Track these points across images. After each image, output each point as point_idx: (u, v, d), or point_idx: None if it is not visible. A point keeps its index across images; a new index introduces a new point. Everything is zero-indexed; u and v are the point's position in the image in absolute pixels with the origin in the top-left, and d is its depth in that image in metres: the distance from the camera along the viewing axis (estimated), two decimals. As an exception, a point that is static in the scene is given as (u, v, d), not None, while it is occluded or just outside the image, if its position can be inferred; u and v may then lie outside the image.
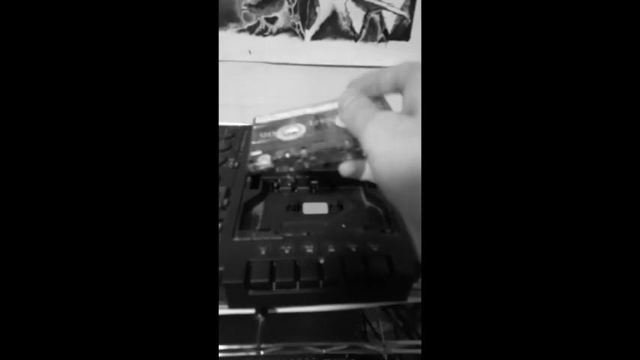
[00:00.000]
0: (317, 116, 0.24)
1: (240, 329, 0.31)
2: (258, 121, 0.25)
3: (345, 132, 0.23)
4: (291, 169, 0.24)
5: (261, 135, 0.24)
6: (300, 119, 0.24)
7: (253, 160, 0.23)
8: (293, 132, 0.23)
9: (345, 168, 0.25)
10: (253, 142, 0.24)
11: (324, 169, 0.27)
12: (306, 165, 0.23)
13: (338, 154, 0.23)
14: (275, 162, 0.23)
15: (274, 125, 0.24)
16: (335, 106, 0.25)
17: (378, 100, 0.23)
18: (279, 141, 0.23)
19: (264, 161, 0.23)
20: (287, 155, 0.23)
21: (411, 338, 0.59)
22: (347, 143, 0.23)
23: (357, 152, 0.23)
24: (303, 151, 0.23)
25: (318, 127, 0.23)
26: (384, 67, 0.66)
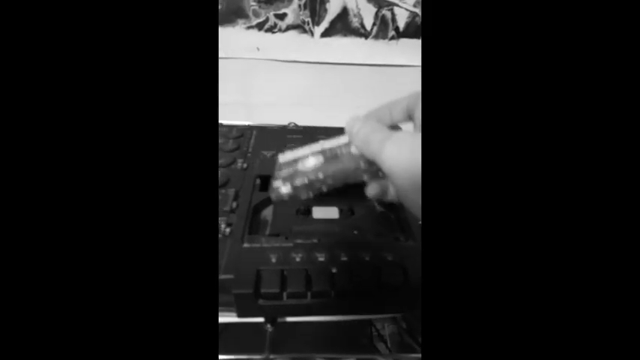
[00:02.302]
0: (334, 148, 0.26)
1: (247, 338, 0.30)
2: (280, 158, 0.28)
3: (360, 156, 0.24)
4: (311, 194, 0.25)
5: (283, 168, 0.26)
6: (320, 152, 0.26)
7: (275, 189, 0.25)
8: (312, 163, 0.25)
9: (371, 190, 0.25)
10: (276, 175, 0.26)
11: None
12: (324, 189, 0.25)
13: (354, 175, 0.24)
14: (295, 188, 0.25)
15: (295, 160, 0.26)
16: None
17: (393, 129, 0.25)
18: (299, 171, 0.25)
19: (284, 189, 0.25)
20: (306, 181, 0.24)
21: (415, 340, 0.58)
22: (362, 164, 0.24)
23: (373, 172, 0.24)
24: (321, 175, 0.24)
25: (334, 156, 0.25)
26: (395, 65, 0.64)
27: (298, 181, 0.24)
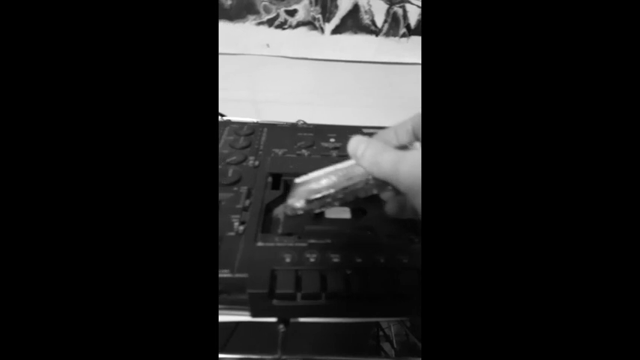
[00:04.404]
0: (345, 168, 0.28)
1: (255, 336, 0.30)
2: (296, 180, 0.30)
3: (369, 172, 0.26)
4: (323, 209, 0.27)
5: (299, 188, 0.29)
6: (332, 173, 0.29)
7: (289, 205, 0.27)
8: (325, 182, 0.28)
9: (390, 209, 0.27)
10: (292, 193, 0.29)
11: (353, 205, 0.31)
12: (336, 204, 0.27)
13: (364, 189, 0.26)
14: (308, 203, 0.27)
15: (309, 181, 0.29)
16: None
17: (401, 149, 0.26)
18: (313, 189, 0.27)
19: (298, 204, 0.27)
20: (318, 196, 0.26)
21: (418, 339, 0.58)
22: (371, 179, 0.25)
23: (381, 185, 0.25)
24: (332, 191, 0.26)
25: (345, 174, 0.27)
26: (406, 63, 0.63)
27: (311, 197, 0.26)
